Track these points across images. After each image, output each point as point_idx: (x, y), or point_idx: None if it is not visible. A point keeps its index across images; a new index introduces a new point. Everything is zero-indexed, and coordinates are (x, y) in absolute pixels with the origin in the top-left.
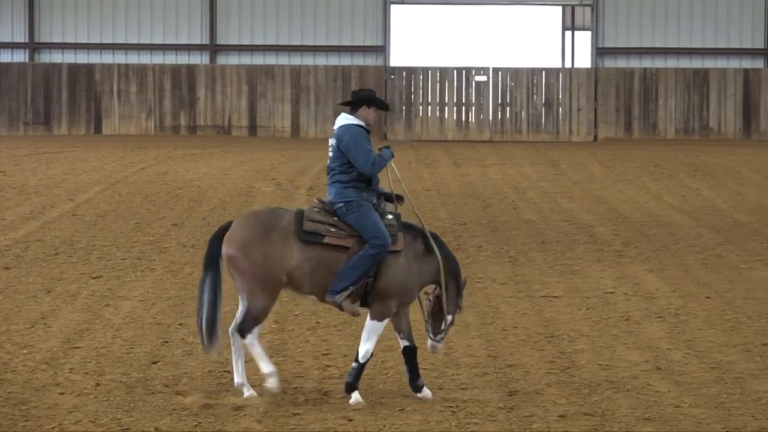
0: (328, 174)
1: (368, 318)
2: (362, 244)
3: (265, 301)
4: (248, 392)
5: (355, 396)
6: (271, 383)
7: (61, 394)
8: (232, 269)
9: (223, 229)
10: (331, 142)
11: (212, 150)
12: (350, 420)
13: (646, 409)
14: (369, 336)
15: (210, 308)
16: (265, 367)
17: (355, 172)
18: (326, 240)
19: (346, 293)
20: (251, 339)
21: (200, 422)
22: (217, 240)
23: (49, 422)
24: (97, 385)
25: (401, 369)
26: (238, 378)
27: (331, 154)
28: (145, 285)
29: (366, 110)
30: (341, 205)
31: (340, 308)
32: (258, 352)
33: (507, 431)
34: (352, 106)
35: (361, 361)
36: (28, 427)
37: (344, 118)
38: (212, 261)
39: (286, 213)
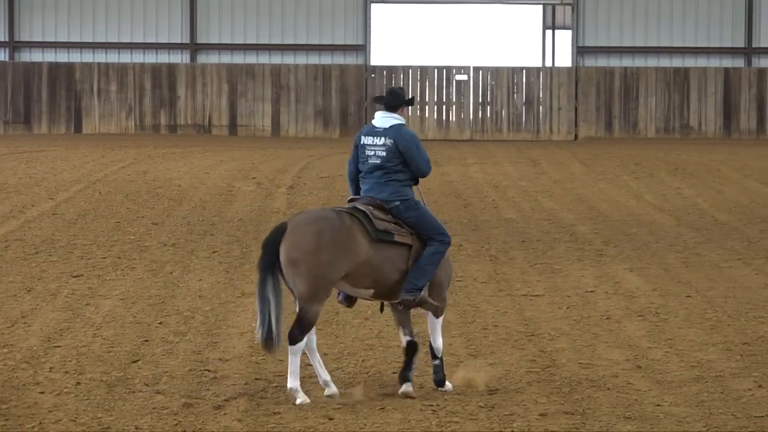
0: (372, 172)
1: (431, 316)
2: (420, 241)
3: (321, 304)
4: (332, 390)
5: (448, 385)
6: (295, 398)
7: (42, 393)
8: (294, 272)
9: (279, 232)
10: (383, 141)
11: (192, 149)
12: (331, 419)
13: (626, 408)
14: (437, 331)
15: (277, 310)
16: (290, 381)
17: (410, 171)
18: (396, 238)
19: (425, 289)
20: (299, 348)
21: (180, 421)
22: (275, 243)
23: (29, 421)
24: (78, 384)
25: (381, 368)
26: (324, 375)
27: (384, 153)
28: (125, 284)
29: (404, 110)
30: (398, 203)
31: (420, 303)
32: (297, 364)
33: (488, 430)
34: (396, 106)
35: (439, 356)
36: (8, 427)
37: (392, 118)
38: (272, 264)
39: (341, 212)
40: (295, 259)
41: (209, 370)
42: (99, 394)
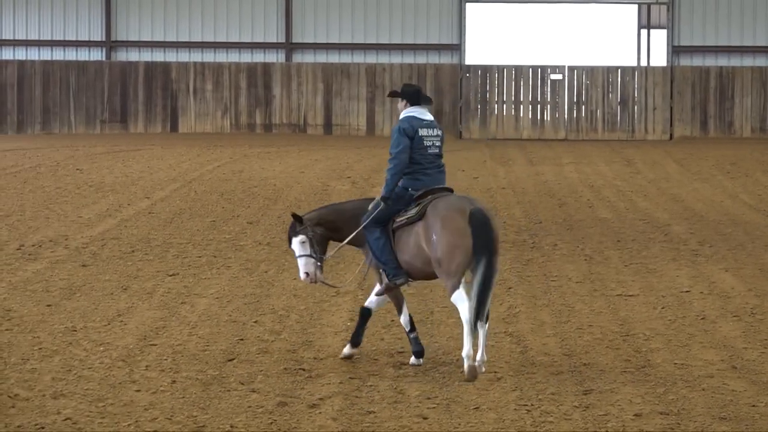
0: (432, 162)
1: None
2: None
3: None
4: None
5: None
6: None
7: (137, 391)
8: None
9: (486, 218)
10: (437, 132)
11: (288, 148)
12: (425, 418)
13: (721, 408)
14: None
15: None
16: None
17: None
18: None
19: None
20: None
21: (275, 420)
22: (491, 229)
23: (126, 419)
24: (173, 382)
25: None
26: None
27: (440, 143)
28: (220, 283)
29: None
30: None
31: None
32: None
33: (582, 430)
34: (423, 101)
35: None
36: (104, 424)
37: (428, 111)
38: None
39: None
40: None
41: (304, 369)
42: (194, 393)
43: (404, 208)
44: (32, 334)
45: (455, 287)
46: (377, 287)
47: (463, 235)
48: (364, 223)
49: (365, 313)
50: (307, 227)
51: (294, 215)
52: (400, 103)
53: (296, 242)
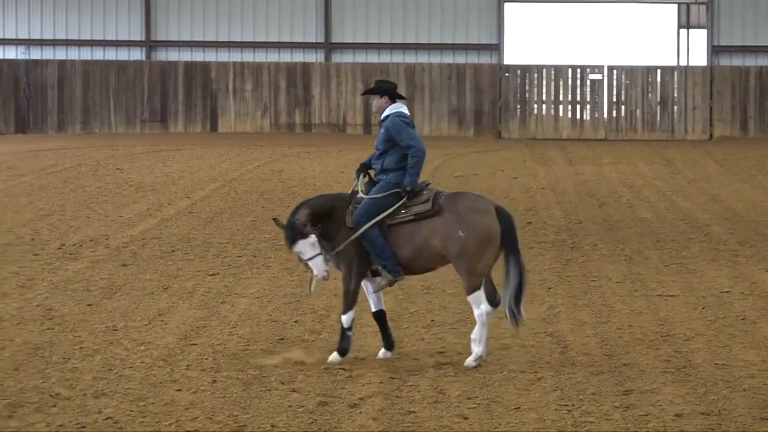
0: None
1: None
2: None
3: None
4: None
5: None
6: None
7: (178, 390)
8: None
9: (509, 216)
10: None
11: (327, 148)
12: (465, 418)
13: (762, 409)
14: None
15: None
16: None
17: None
18: None
19: None
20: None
21: (316, 419)
22: (514, 226)
23: (166, 418)
24: (214, 381)
25: (515, 367)
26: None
27: None
28: (261, 282)
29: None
30: None
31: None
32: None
33: (623, 430)
34: (400, 98)
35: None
36: (145, 424)
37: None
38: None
39: None
40: None
41: (344, 369)
42: (235, 392)
43: (393, 203)
44: (73, 333)
45: (476, 287)
46: (369, 290)
47: (495, 235)
48: (374, 221)
49: (379, 316)
50: (310, 227)
51: (276, 220)
52: (379, 100)
53: (306, 244)
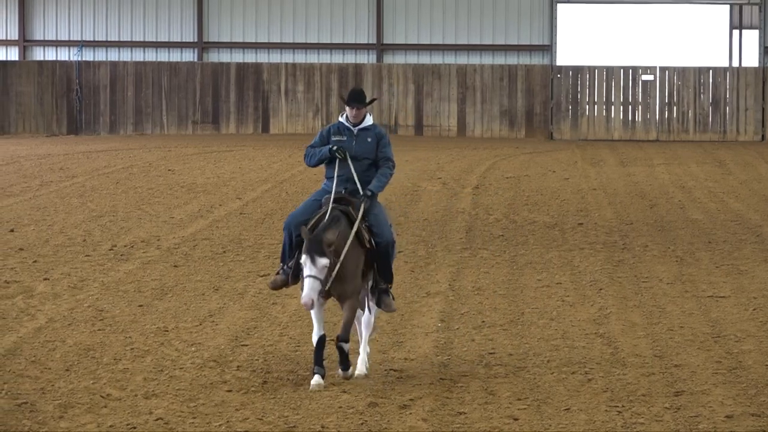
0: None
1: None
2: None
3: None
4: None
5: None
6: None
7: (229, 391)
8: None
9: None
10: None
11: None
12: (515, 419)
13: None
14: None
15: None
16: None
17: None
18: None
19: None
20: None
21: (366, 420)
22: None
23: (217, 419)
24: (264, 382)
25: (565, 368)
26: None
27: None
28: None
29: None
30: None
31: None
32: None
33: (673, 431)
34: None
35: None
36: (195, 424)
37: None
38: None
39: None
40: None
41: (395, 370)
42: (285, 393)
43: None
44: (124, 334)
45: None
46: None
47: None
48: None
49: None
50: (331, 252)
51: (303, 228)
52: (361, 110)
53: (318, 262)
